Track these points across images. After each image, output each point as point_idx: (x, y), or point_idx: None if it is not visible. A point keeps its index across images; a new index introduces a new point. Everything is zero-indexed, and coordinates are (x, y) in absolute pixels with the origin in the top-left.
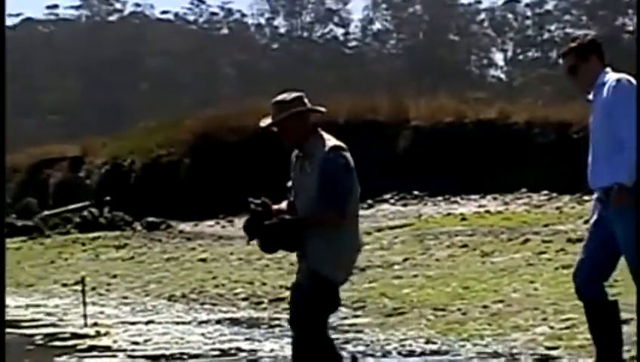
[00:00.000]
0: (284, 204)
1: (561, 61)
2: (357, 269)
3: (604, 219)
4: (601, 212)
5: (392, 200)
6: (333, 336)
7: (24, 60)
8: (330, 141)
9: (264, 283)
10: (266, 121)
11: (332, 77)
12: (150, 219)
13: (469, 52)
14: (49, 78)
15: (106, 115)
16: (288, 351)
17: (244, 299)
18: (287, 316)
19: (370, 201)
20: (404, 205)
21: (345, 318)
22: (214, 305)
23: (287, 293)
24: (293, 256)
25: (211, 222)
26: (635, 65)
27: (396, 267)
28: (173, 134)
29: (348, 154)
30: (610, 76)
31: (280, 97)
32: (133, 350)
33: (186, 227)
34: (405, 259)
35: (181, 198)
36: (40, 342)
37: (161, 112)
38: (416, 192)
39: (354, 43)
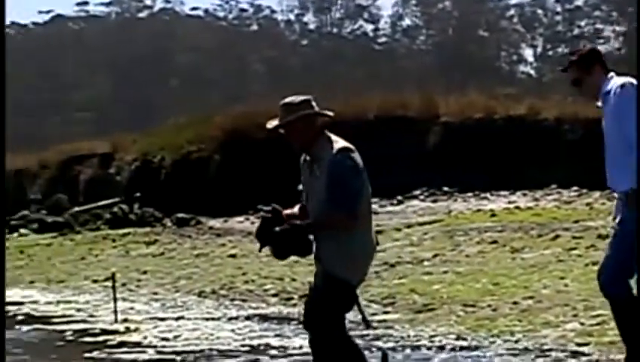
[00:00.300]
0: (296, 209)
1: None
2: (387, 265)
3: (628, 219)
4: (624, 212)
5: (421, 197)
6: (364, 332)
7: (54, 57)
8: (338, 143)
9: (294, 279)
10: (273, 123)
11: (362, 73)
12: (180, 215)
13: (498, 48)
14: (79, 75)
15: (136, 111)
16: None
17: (274, 295)
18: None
19: (399, 197)
20: (434, 201)
21: (375, 314)
22: (244, 301)
23: None
24: None
25: (241, 218)
26: None
27: (426, 263)
28: (203, 131)
29: (356, 155)
30: (615, 82)
31: (288, 100)
32: (163, 346)
33: (216, 223)
34: (435, 255)
35: (211, 194)
36: (70, 337)
37: (191, 109)
38: (445, 188)
39: (384, 39)
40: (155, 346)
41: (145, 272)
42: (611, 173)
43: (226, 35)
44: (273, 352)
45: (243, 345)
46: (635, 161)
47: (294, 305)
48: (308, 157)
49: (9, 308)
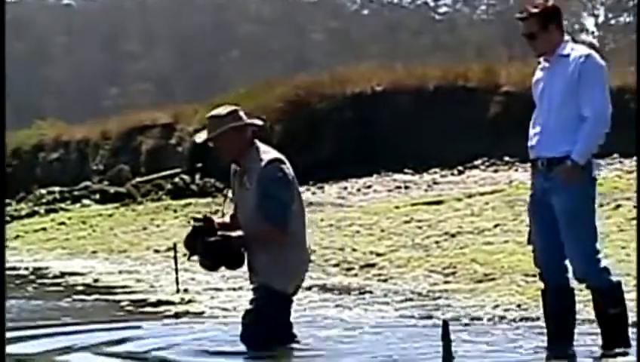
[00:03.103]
0: (227, 218)
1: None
2: (447, 235)
3: (564, 192)
4: (555, 181)
5: (482, 166)
6: (424, 302)
7: (116, 29)
8: (268, 154)
9: (355, 249)
10: (201, 137)
11: (423, 43)
12: None
13: None
14: (141, 46)
15: (198, 82)
16: (376, 319)
17: (335, 266)
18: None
19: (460, 168)
20: (495, 171)
21: (435, 284)
22: None
23: (378, 259)
24: (385, 223)
25: (302, 189)
26: None
27: (487, 233)
28: (264, 101)
29: (286, 166)
30: (575, 48)
31: (214, 112)
32: (224, 316)
33: None
34: (496, 225)
35: None
36: (129, 308)
37: (252, 79)
38: (507, 158)
39: (444, 9)
40: (216, 316)
41: None
42: (541, 138)
43: (286, 6)
44: (330, 322)
45: (303, 316)
46: (583, 137)
47: (355, 276)
48: (238, 168)
49: (69, 278)
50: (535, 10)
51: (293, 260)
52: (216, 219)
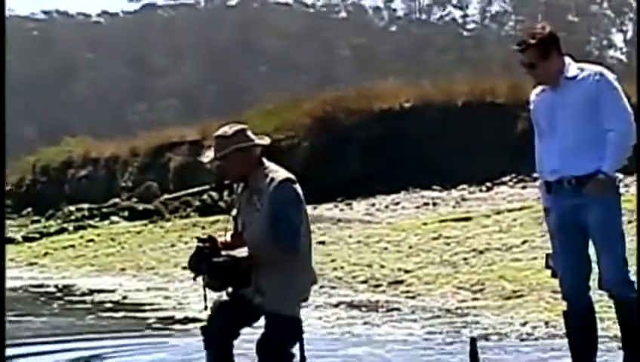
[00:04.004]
0: (228, 237)
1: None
2: (475, 252)
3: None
4: (570, 202)
5: (510, 183)
6: (453, 319)
7: (144, 45)
8: (279, 173)
9: (383, 266)
10: (209, 156)
11: (450, 59)
12: None
13: (588, 33)
14: (169, 62)
15: (225, 98)
16: (404, 336)
17: (363, 282)
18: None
19: (488, 184)
20: (523, 187)
21: (463, 301)
22: (333, 288)
23: (406, 276)
24: (413, 239)
25: (330, 205)
26: None
27: (515, 249)
28: (291, 117)
29: (297, 186)
30: (583, 68)
31: (221, 131)
32: (252, 333)
33: None
34: (524, 242)
35: (299, 182)
36: (156, 325)
37: (280, 95)
38: (535, 174)
39: (472, 25)
40: (243, 333)
41: None
42: (563, 159)
43: (314, 22)
44: (356, 340)
45: (330, 333)
46: (611, 150)
47: (383, 292)
48: (245, 187)
49: (97, 295)
50: (533, 41)
51: (302, 282)
52: (219, 238)
